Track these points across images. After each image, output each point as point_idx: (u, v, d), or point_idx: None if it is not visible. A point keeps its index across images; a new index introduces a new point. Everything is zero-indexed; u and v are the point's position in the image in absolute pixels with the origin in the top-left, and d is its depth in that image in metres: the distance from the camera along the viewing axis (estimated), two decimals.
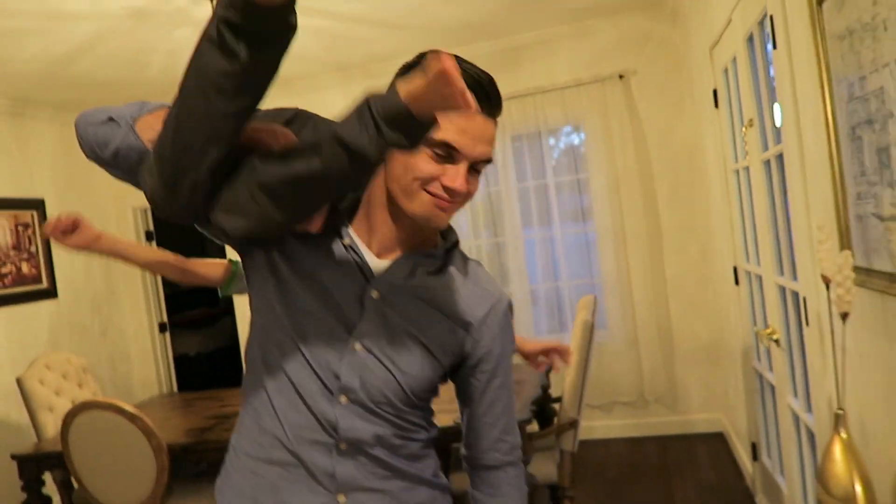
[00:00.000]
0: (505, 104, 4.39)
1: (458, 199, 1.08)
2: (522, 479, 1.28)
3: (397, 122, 0.88)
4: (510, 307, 1.23)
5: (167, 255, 2.55)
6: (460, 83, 0.82)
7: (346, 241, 1.13)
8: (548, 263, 4.80)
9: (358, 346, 1.11)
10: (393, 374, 1.12)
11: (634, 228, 4.53)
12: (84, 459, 2.88)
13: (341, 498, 1.13)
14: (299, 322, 1.10)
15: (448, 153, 1.04)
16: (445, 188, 1.05)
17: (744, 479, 3.71)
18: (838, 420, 1.52)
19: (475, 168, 1.08)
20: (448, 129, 1.02)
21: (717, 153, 3.58)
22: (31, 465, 3.20)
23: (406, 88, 0.88)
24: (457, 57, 0.94)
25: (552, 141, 4.80)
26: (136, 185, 1.07)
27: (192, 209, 0.99)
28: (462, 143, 1.03)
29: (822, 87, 1.65)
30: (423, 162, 1.04)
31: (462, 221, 4.92)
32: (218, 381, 6.43)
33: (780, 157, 2.28)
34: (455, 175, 1.04)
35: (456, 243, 1.22)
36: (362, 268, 1.13)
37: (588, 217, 4.71)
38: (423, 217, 1.08)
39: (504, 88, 4.05)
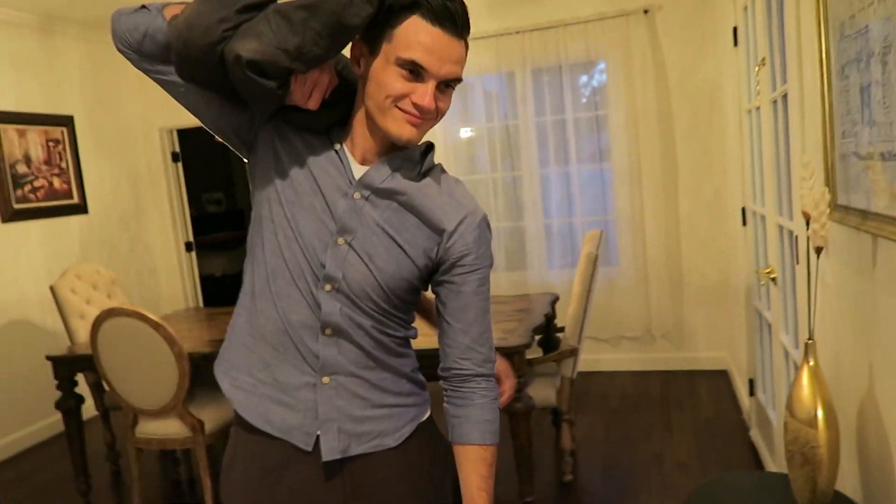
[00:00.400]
0: (525, 36, 4.39)
1: (428, 115, 1.15)
2: (495, 392, 1.31)
3: None
4: (486, 223, 1.29)
5: None
6: None
7: (337, 147, 1.24)
8: (563, 199, 4.85)
9: (340, 241, 1.21)
10: (371, 271, 1.21)
11: (650, 167, 4.55)
12: (111, 363, 3.09)
13: (325, 379, 1.24)
14: (294, 214, 1.22)
15: (416, 72, 1.11)
16: (415, 105, 1.13)
17: (741, 414, 3.85)
18: (807, 349, 1.61)
19: (447, 85, 1.16)
20: (415, 48, 1.09)
21: (733, 93, 3.56)
22: (65, 367, 3.43)
23: None
24: None
25: (574, 76, 4.76)
26: (155, 69, 1.20)
27: (210, 44, 1.09)
28: (429, 63, 1.10)
29: (819, 25, 1.67)
30: (393, 80, 1.12)
31: (480, 154, 4.96)
32: None
33: (785, 97, 2.29)
34: (423, 93, 1.12)
35: (430, 147, 1.29)
36: (347, 171, 1.23)
37: (605, 155, 4.73)
38: (395, 132, 1.16)
39: (525, 20, 4.11)
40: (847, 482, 1.74)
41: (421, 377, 1.39)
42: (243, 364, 1.29)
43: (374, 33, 1.14)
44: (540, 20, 4.61)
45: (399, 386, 1.31)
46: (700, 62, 4.47)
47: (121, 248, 5.23)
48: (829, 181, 1.71)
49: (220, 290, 7.72)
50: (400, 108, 1.14)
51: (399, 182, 1.23)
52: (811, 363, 1.59)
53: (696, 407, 4.07)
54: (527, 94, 4.73)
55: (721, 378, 4.50)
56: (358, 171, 1.24)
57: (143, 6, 1.19)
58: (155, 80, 1.23)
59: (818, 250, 1.58)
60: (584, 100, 4.79)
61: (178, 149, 5.69)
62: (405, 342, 1.33)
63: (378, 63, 1.14)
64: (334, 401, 1.25)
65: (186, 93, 1.22)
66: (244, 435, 1.31)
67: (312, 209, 1.21)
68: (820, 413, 1.53)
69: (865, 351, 1.57)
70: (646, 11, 4.45)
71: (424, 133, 1.19)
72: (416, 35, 1.09)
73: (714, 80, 4.41)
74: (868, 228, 1.45)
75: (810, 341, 1.60)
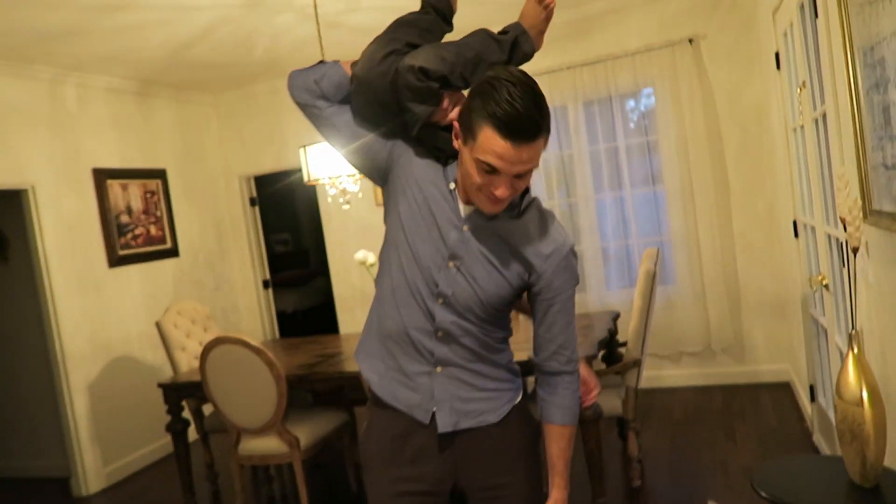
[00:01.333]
0: (576, 71, 4.72)
1: (505, 199, 1.41)
2: (577, 385, 1.60)
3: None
4: (573, 251, 1.55)
5: None
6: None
7: (451, 185, 1.53)
8: (618, 222, 5.07)
9: (451, 265, 1.51)
10: (474, 290, 1.51)
11: (702, 187, 4.74)
12: (218, 386, 3.45)
13: (438, 369, 1.56)
14: (415, 240, 1.52)
15: (492, 170, 1.36)
16: (493, 193, 1.39)
17: (804, 422, 3.95)
18: (851, 338, 1.81)
19: (520, 176, 1.39)
20: (490, 155, 1.33)
21: (779, 113, 3.76)
22: (173, 393, 3.81)
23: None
24: (512, 84, 1.31)
25: (623, 105, 5.02)
26: (318, 110, 1.58)
27: (385, 66, 1.50)
28: (501, 166, 1.34)
29: (846, 53, 1.90)
30: (475, 172, 1.38)
31: (537, 183, 5.24)
32: (314, 335, 7.08)
33: (824, 116, 2.51)
34: (499, 185, 1.38)
35: (532, 201, 1.56)
36: (456, 208, 1.52)
37: (657, 178, 4.94)
38: (481, 207, 1.45)
39: (575, 56, 4.49)
40: None
41: (516, 366, 1.69)
42: (376, 353, 1.62)
43: (465, 126, 1.39)
44: (590, 55, 4.91)
45: (498, 374, 1.62)
46: (746, 85, 4.68)
47: (207, 287, 5.68)
48: (864, 190, 1.93)
49: (292, 325, 8.16)
50: (485, 192, 1.41)
51: (499, 221, 1.52)
52: (855, 350, 1.79)
53: (759, 417, 4.18)
54: (579, 124, 5.01)
55: (783, 389, 4.59)
56: (464, 209, 1.52)
57: (320, 62, 1.60)
58: (318, 122, 1.59)
59: (855, 250, 1.80)
60: (633, 125, 5.03)
61: (255, 194, 6.17)
62: (503, 340, 1.64)
63: (466, 153, 1.40)
64: (446, 386, 1.57)
65: (341, 131, 1.58)
66: (377, 409, 1.64)
67: (430, 237, 1.51)
68: (865, 394, 1.73)
69: None
70: (691, 41, 4.70)
71: (506, 205, 1.45)
72: (489, 144, 1.33)
73: (760, 102, 4.61)
74: None
75: (853, 331, 1.81)
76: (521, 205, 1.53)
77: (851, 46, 1.88)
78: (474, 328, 1.54)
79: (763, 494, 1.87)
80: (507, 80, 1.32)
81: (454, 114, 1.50)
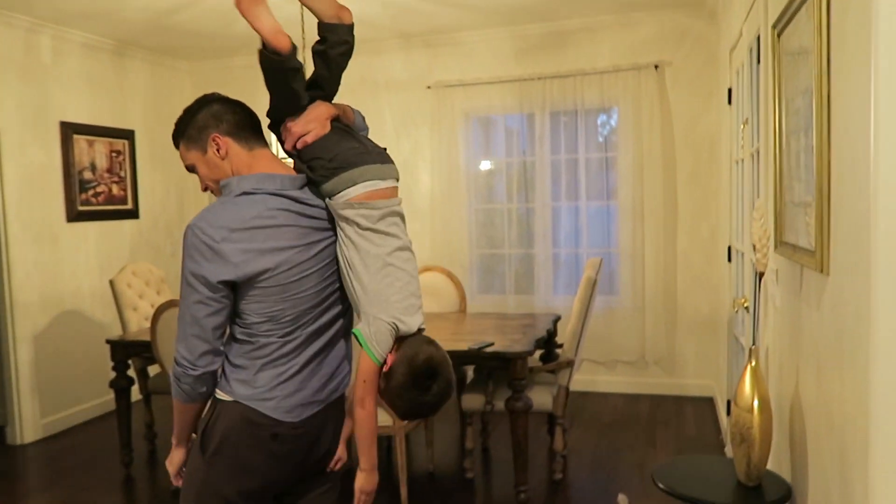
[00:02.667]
0: (547, 83, 4.95)
1: (202, 185, 1.80)
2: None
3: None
4: (188, 231, 1.64)
5: None
6: None
7: None
8: (571, 231, 5.30)
9: None
10: None
11: (652, 206, 5.00)
12: (168, 347, 3.54)
13: None
14: None
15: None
16: None
17: (720, 434, 4.23)
18: (751, 353, 2.04)
19: (191, 171, 1.78)
20: None
21: (727, 145, 4.02)
22: (120, 350, 3.89)
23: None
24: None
25: (587, 119, 5.25)
26: None
27: None
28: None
29: (774, 100, 2.12)
30: None
31: (498, 186, 5.44)
32: None
33: (758, 152, 2.75)
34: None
35: (228, 193, 1.81)
36: None
37: (612, 193, 5.19)
38: None
39: (548, 68, 4.77)
40: (782, 465, 2.14)
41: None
42: None
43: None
44: (561, 68, 5.12)
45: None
46: (703, 115, 4.95)
47: (164, 252, 5.72)
48: (778, 223, 2.15)
49: None
50: None
51: None
52: (752, 364, 2.01)
53: (681, 426, 4.45)
54: (545, 133, 5.22)
55: (706, 403, 4.89)
56: None
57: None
58: None
59: (761, 275, 2.02)
60: (600, 139, 5.26)
61: None
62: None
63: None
64: None
65: None
66: None
67: None
68: (756, 402, 1.96)
69: (795, 357, 1.99)
70: (656, 66, 4.94)
71: (205, 189, 1.81)
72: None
73: (713, 132, 4.88)
74: (797, 259, 1.89)
75: (753, 346, 2.03)
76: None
77: (780, 94, 2.10)
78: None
79: (660, 486, 2.08)
80: None
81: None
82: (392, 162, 1.73)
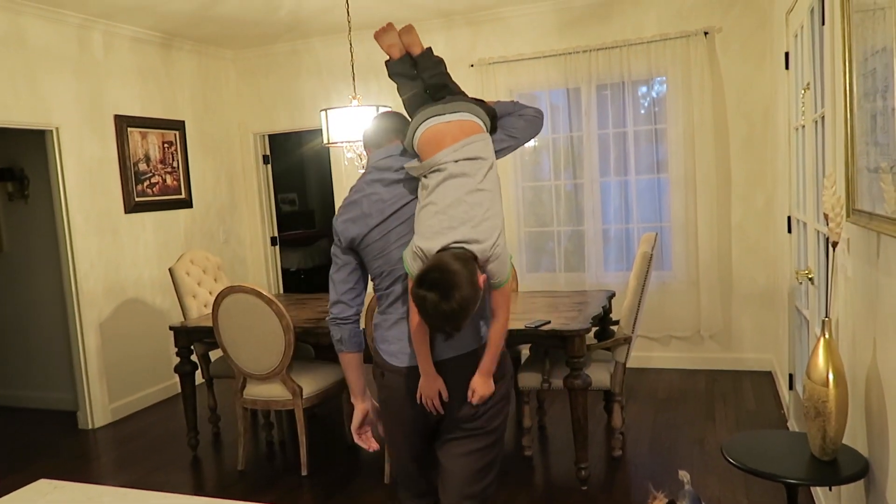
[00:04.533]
0: (592, 55, 4.89)
1: None
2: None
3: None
4: None
5: None
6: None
7: None
8: (621, 206, 5.22)
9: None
10: None
11: (705, 178, 4.88)
12: (228, 332, 3.63)
13: None
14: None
15: None
16: None
17: (781, 409, 4.15)
18: (824, 325, 1.98)
19: None
20: None
21: (784, 111, 3.89)
22: (183, 336, 4.00)
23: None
24: None
25: (635, 91, 5.13)
26: None
27: None
28: None
29: (844, 62, 2.04)
30: None
31: (545, 163, 5.38)
32: (315, 293, 7.26)
33: (823, 118, 2.65)
34: None
35: None
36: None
37: (662, 166, 5.08)
38: None
39: (593, 40, 4.70)
40: (857, 439, 2.09)
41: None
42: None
43: None
44: (606, 40, 5.01)
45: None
46: (755, 81, 4.79)
47: (217, 239, 5.85)
48: (850, 190, 2.08)
49: (294, 282, 8.35)
50: None
51: None
52: (826, 336, 1.96)
53: (739, 401, 4.38)
54: (591, 107, 5.13)
55: (765, 378, 4.79)
56: None
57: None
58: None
59: (835, 244, 1.96)
60: (645, 113, 5.15)
61: (268, 151, 6.29)
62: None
63: None
64: None
65: None
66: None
67: None
68: (831, 375, 1.91)
69: (872, 328, 1.93)
70: (706, 33, 4.80)
71: None
72: None
73: (768, 99, 4.73)
74: (873, 227, 1.82)
75: (826, 318, 1.98)
76: None
77: (850, 55, 2.01)
78: None
79: (731, 460, 2.05)
80: None
81: None
82: (463, 104, 1.92)
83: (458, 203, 1.76)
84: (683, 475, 2.74)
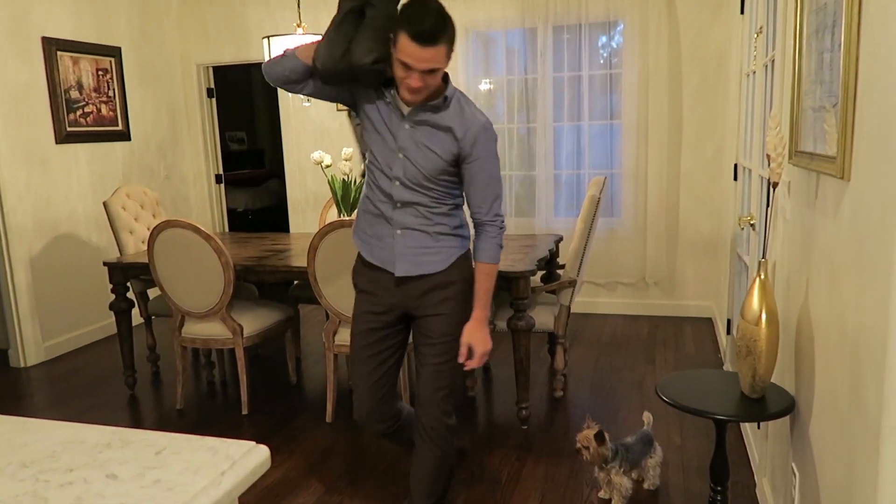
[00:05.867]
0: None
1: (420, 89, 1.96)
2: (498, 235, 2.17)
3: None
4: (485, 127, 2.07)
5: None
6: None
7: (388, 99, 2.09)
8: (573, 152, 5.19)
9: (400, 155, 2.10)
10: (418, 168, 2.09)
11: (657, 125, 4.87)
12: (165, 268, 3.50)
13: (399, 231, 2.15)
14: (376, 145, 2.12)
15: (407, 66, 1.92)
16: (409, 84, 1.96)
17: (719, 353, 4.26)
18: (760, 266, 1.99)
19: (430, 71, 1.93)
20: (404, 54, 1.90)
21: (737, 58, 3.87)
22: (119, 272, 3.85)
23: None
24: (420, 5, 1.89)
25: (592, 34, 5.04)
26: (298, 88, 2.11)
27: (336, 69, 2.01)
28: (412, 62, 1.91)
29: (797, 1, 2.00)
30: (398, 69, 1.95)
31: (499, 105, 5.28)
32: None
33: (773, 62, 2.62)
34: (413, 79, 1.94)
35: (453, 94, 2.08)
36: (399, 112, 2.08)
37: (615, 112, 5.04)
38: (404, 98, 2.02)
39: None
40: (786, 378, 2.14)
41: (464, 231, 2.24)
42: (362, 226, 2.25)
43: (393, 37, 1.93)
44: None
45: (447, 234, 2.18)
46: (712, 28, 4.75)
47: (158, 175, 5.62)
48: (793, 132, 2.06)
49: (242, 223, 8.14)
50: (404, 85, 1.97)
51: (430, 116, 2.07)
52: (761, 277, 1.97)
53: (679, 346, 4.48)
54: (547, 50, 5.03)
55: (706, 324, 4.91)
56: (404, 109, 2.08)
57: (283, 54, 2.06)
58: (301, 93, 2.11)
59: (775, 185, 1.95)
60: (601, 60, 5.07)
61: (212, 84, 6.02)
62: (454, 208, 2.18)
63: (393, 56, 1.95)
64: (405, 243, 2.15)
65: (321, 92, 2.11)
66: (363, 266, 2.28)
67: (384, 140, 2.11)
68: (763, 315, 1.92)
69: (805, 269, 1.94)
70: None
71: (423, 96, 2.01)
72: (404, 47, 1.89)
73: (723, 45, 4.70)
74: (814, 167, 1.81)
75: (763, 259, 1.98)
76: (445, 99, 2.06)
77: None
78: (424, 198, 2.11)
79: (663, 398, 2.08)
80: (418, 3, 1.90)
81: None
82: None
83: None
84: (647, 416, 2.80)
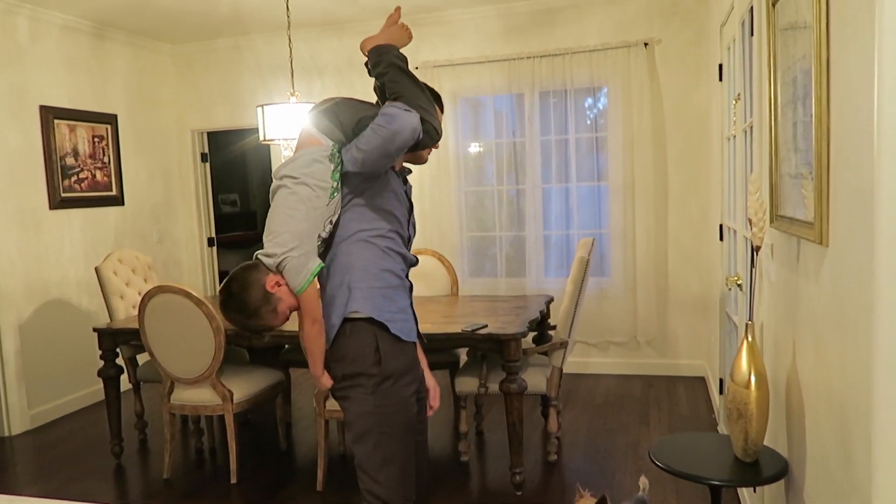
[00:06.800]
0: (535, 62, 4.93)
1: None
2: None
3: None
4: None
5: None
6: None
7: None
8: (562, 212, 5.27)
9: (410, 216, 2.18)
10: (415, 226, 2.24)
11: (643, 186, 4.97)
12: (155, 334, 3.49)
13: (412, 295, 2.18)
14: (397, 208, 2.10)
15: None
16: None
17: (713, 413, 4.23)
18: (747, 328, 2.01)
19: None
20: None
21: (718, 122, 3.99)
22: (108, 338, 3.83)
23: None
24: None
25: (577, 99, 5.19)
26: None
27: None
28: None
29: (770, 71, 2.09)
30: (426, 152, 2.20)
31: (488, 168, 5.39)
32: None
33: (752, 127, 2.72)
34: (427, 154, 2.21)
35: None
36: (400, 176, 2.15)
37: (602, 173, 5.15)
38: (415, 162, 2.24)
39: (536, 47, 4.75)
40: (778, 440, 2.13)
41: None
42: (384, 304, 2.07)
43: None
44: (549, 47, 5.06)
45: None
46: (693, 92, 4.91)
47: (150, 239, 5.64)
48: (773, 197, 2.12)
49: None
50: (428, 150, 2.18)
51: (405, 176, 2.21)
52: (749, 339, 1.99)
53: (673, 406, 4.46)
54: (534, 114, 5.17)
55: (699, 383, 4.90)
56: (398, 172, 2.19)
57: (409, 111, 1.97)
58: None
59: (757, 249, 2.00)
60: (588, 122, 5.22)
61: (206, 150, 6.12)
62: None
63: None
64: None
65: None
66: (394, 348, 2.05)
67: (402, 202, 2.14)
68: (753, 378, 1.94)
69: (791, 330, 1.97)
70: (646, 44, 4.89)
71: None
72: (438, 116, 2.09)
73: (704, 109, 4.85)
74: (794, 232, 1.86)
75: (749, 322, 2.01)
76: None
77: (775, 64, 2.06)
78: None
79: (658, 463, 2.06)
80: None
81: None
82: (331, 108, 2.09)
83: (270, 216, 2.03)
84: (643, 482, 2.76)
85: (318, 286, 2.09)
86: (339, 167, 1.99)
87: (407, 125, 1.91)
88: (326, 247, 2.07)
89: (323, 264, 2.00)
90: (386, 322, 2.00)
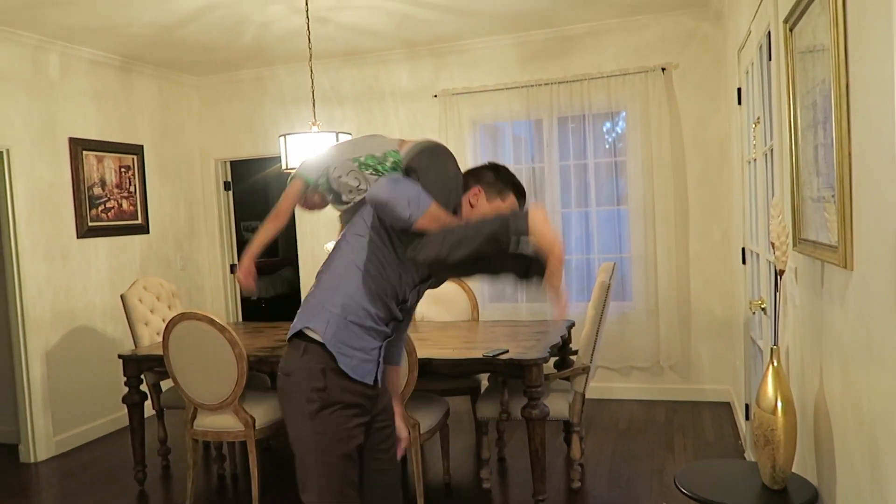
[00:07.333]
0: (554, 88, 4.97)
1: None
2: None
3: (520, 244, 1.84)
4: None
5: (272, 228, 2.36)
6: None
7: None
8: (582, 237, 5.26)
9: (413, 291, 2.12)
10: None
11: (663, 210, 4.95)
12: (179, 360, 3.52)
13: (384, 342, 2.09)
14: (402, 273, 2.04)
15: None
16: None
17: (739, 439, 4.16)
18: (772, 353, 1.99)
19: None
20: (510, 207, 2.12)
21: (738, 145, 3.98)
22: (133, 365, 3.87)
23: (535, 241, 1.83)
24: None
25: (596, 124, 5.22)
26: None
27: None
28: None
29: (789, 96, 2.09)
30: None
31: None
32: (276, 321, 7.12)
33: (772, 151, 2.71)
34: None
35: None
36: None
37: (622, 198, 5.15)
38: None
39: (554, 73, 4.79)
40: (807, 467, 2.09)
41: None
42: (346, 336, 2.05)
43: (495, 192, 2.10)
44: (567, 73, 5.10)
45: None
46: (711, 116, 4.91)
47: (174, 266, 5.72)
48: (796, 220, 2.11)
49: (256, 312, 8.19)
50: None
51: None
52: (775, 364, 1.97)
53: (698, 432, 4.39)
54: (553, 139, 5.19)
55: (724, 408, 4.82)
56: None
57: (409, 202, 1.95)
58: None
59: (781, 273, 1.98)
60: (606, 146, 5.23)
61: (229, 178, 6.22)
62: None
63: (488, 206, 2.07)
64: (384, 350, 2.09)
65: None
66: (345, 380, 1.99)
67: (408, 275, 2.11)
68: (779, 403, 1.91)
69: (818, 355, 1.94)
70: (663, 69, 4.92)
71: None
72: (511, 202, 2.10)
73: (723, 134, 4.84)
74: (818, 255, 1.85)
75: (774, 347, 1.99)
76: None
77: (794, 88, 2.07)
78: (409, 320, 2.21)
79: (683, 491, 2.04)
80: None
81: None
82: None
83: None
84: None
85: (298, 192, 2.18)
86: (384, 169, 2.08)
87: (405, 214, 1.90)
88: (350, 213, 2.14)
89: (312, 180, 2.14)
90: (336, 353, 1.92)
